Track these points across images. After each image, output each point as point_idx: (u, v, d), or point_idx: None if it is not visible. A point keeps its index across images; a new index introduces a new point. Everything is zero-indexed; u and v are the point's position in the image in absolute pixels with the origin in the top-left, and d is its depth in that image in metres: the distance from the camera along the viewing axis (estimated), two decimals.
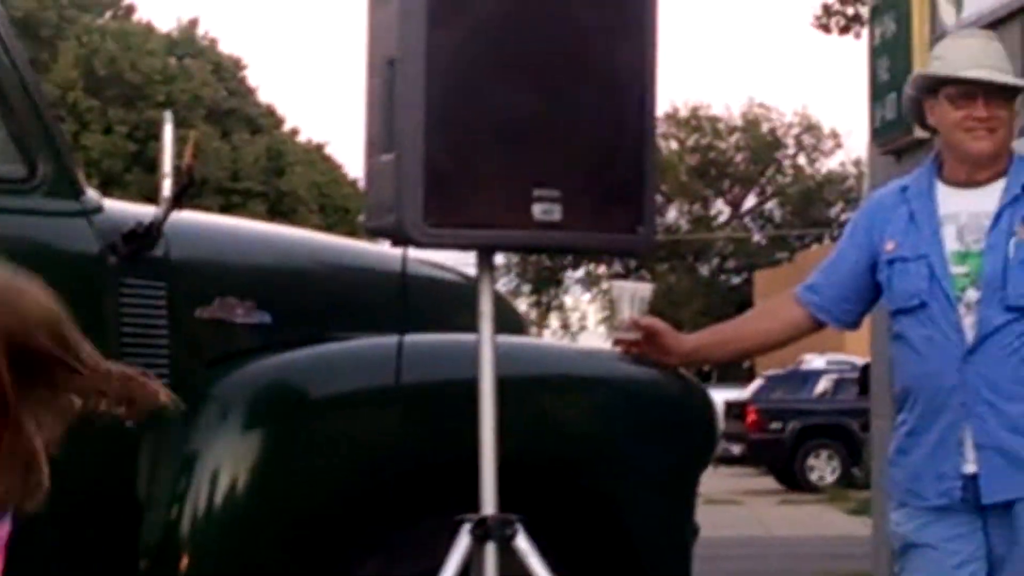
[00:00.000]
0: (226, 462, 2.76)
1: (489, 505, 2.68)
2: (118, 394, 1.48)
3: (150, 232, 2.77)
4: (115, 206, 2.97)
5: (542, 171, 2.68)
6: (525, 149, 2.68)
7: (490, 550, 2.69)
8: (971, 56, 2.88)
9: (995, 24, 6.67)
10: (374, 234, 2.91)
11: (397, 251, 2.80)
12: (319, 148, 33.77)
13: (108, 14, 33.66)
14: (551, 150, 2.69)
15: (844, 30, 21.63)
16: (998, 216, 2.83)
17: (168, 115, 2.74)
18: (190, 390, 2.65)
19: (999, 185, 2.86)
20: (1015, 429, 2.78)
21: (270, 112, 33.35)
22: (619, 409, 3.17)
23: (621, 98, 2.74)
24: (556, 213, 2.67)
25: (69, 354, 1.44)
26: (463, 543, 2.66)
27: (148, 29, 32.38)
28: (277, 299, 2.98)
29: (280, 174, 31.18)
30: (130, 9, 33.72)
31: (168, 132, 2.70)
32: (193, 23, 33.54)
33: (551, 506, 2.90)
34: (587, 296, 38.66)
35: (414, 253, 2.83)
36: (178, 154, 2.76)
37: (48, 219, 2.78)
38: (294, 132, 34.44)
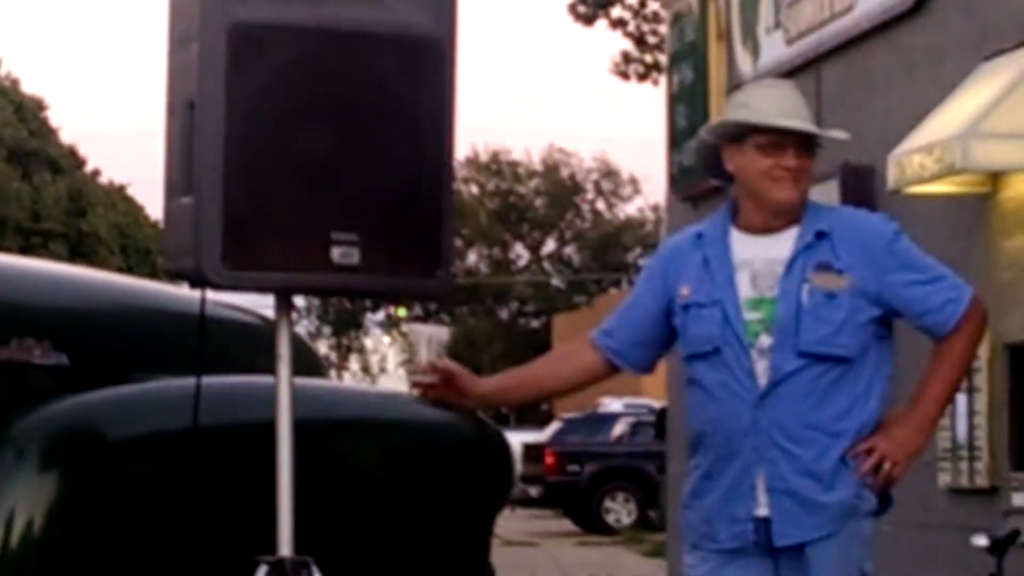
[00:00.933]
0: (21, 504, 2.71)
1: (285, 546, 2.67)
2: None
3: None
4: None
5: (340, 215, 2.71)
6: (323, 193, 2.70)
7: None
8: (780, 106, 2.92)
9: (791, 73, 7.22)
10: (173, 276, 2.89)
11: (196, 293, 2.79)
12: (121, 189, 33.26)
13: None
14: (349, 194, 2.72)
15: (642, 77, 22.49)
16: (791, 263, 2.89)
17: None
18: None
19: (792, 232, 2.91)
20: (807, 473, 2.85)
21: (72, 153, 32.68)
22: (415, 451, 3.21)
23: (420, 142, 2.78)
24: (354, 257, 2.70)
25: None
26: None
27: None
28: (75, 340, 2.95)
29: (81, 215, 30.59)
30: None
31: None
32: None
33: (347, 547, 2.91)
34: (387, 339, 38.75)
35: (212, 295, 2.83)
36: None
37: None
38: (96, 173, 34.16)
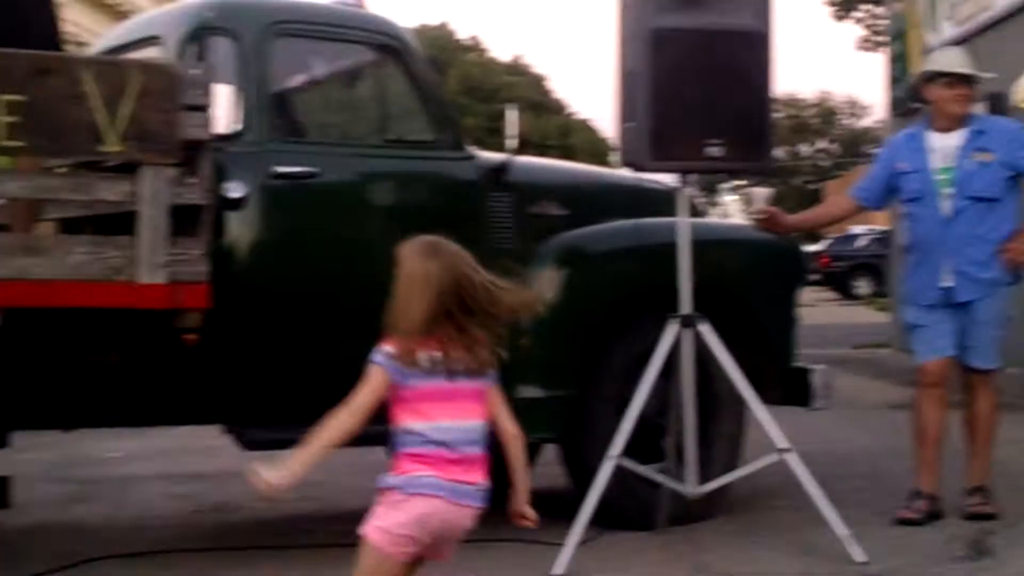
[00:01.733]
0: (545, 288, 5.18)
1: (686, 307, 5.04)
2: (512, 309, 3.03)
3: (503, 167, 5.24)
4: (481, 154, 5.42)
5: (711, 129, 4.99)
6: (701, 118, 4.99)
7: (687, 334, 5.04)
8: (953, 60, 5.31)
9: (959, 43, 10.86)
10: (625, 166, 5.28)
11: (637, 174, 5.31)
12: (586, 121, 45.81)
13: None
14: (715, 118, 4.99)
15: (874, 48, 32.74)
16: (962, 147, 5.18)
17: (514, 106, 5.20)
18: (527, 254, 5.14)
19: (962, 131, 5.21)
20: (973, 262, 5.11)
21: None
22: (755, 255, 5.70)
23: (754, 88, 5.05)
24: (719, 151, 5.00)
25: (479, 295, 2.92)
26: (672, 329, 5.01)
27: None
28: (572, 201, 5.46)
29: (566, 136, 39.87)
30: None
31: (514, 116, 5.14)
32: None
33: (719, 309, 5.24)
34: (734, 198, 57.73)
35: (644, 176, 5.37)
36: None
37: (450, 163, 5.24)
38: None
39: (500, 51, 49.37)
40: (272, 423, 4.84)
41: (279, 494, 2.89)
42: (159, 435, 6.74)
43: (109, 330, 4.74)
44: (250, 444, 4.92)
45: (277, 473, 2.89)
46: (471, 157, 5.35)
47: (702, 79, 4.96)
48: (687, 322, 4.96)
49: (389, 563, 2.95)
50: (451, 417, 2.97)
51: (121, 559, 5.07)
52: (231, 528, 5.94)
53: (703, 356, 5.00)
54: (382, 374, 2.97)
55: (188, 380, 4.85)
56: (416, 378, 2.95)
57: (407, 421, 2.98)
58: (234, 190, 4.78)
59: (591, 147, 39.38)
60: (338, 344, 4.74)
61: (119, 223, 4.59)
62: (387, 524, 2.94)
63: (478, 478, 2.97)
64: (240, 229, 4.81)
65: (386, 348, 2.98)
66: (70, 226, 5.27)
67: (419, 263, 2.97)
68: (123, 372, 4.88)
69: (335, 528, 5.41)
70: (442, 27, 37.51)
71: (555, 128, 40.83)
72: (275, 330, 4.87)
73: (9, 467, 5.54)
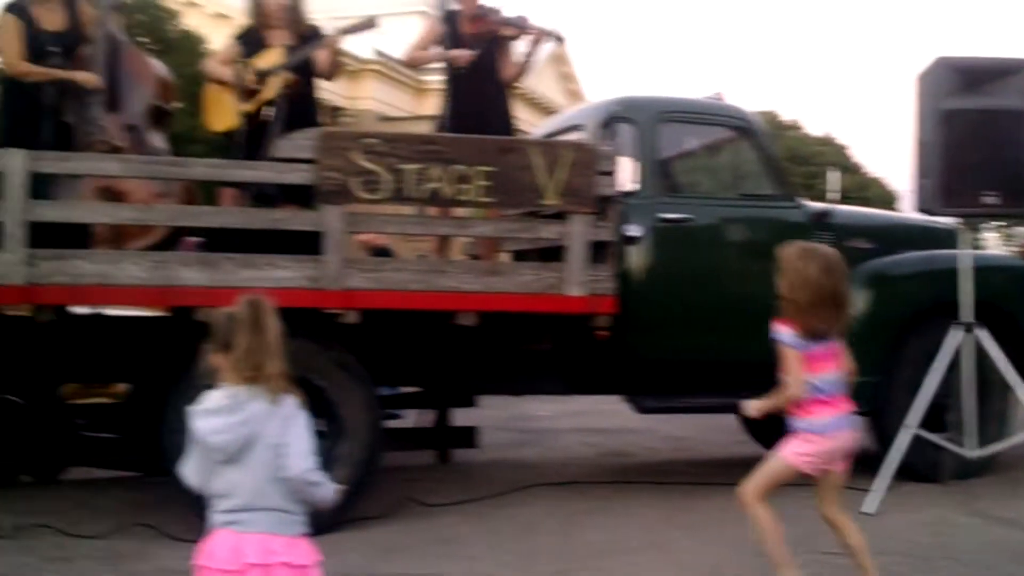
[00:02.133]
0: (859, 302, 6.85)
1: (968, 316, 6.56)
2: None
3: (826, 213, 7.01)
4: (807, 203, 7.20)
5: (987, 184, 6.48)
6: (981, 176, 6.50)
7: (968, 337, 6.56)
8: None
9: None
10: (919, 211, 6.85)
11: (929, 217, 6.88)
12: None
13: None
14: (991, 176, 6.47)
15: None
16: None
17: (836, 170, 6.96)
18: None
19: None
20: None
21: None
22: (1017, 277, 7.18)
23: (1020, 150, 6.52)
24: (994, 201, 6.50)
25: (841, 287, 4.30)
26: (956, 334, 6.54)
27: None
28: (877, 238, 7.14)
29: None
30: None
31: (835, 176, 6.90)
32: None
33: (989, 320, 6.67)
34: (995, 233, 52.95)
35: (934, 219, 6.96)
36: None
37: (786, 210, 7.05)
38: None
39: (814, 127, 52.42)
40: (658, 393, 6.82)
41: (756, 413, 4.34)
42: (575, 401, 8.90)
43: (545, 327, 6.79)
44: (642, 409, 6.89)
45: (755, 405, 4.35)
46: (801, 206, 7.14)
47: (980, 146, 6.42)
48: (968, 328, 6.50)
49: (792, 473, 4.30)
50: (830, 371, 4.28)
51: (551, 486, 7.23)
52: (628, 468, 8.05)
53: (979, 353, 6.51)
54: (791, 351, 4.20)
55: (599, 363, 6.90)
56: (807, 346, 4.22)
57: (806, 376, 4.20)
58: (633, 231, 6.72)
59: (882, 198, 44.32)
60: (706, 338, 6.70)
61: (550, 253, 6.67)
62: (803, 450, 4.26)
63: (848, 409, 4.34)
64: (636, 258, 6.75)
65: (784, 329, 4.23)
66: (517, 255, 7.52)
67: (802, 260, 4.23)
68: (554, 357, 6.98)
69: (699, 471, 7.46)
70: (770, 112, 42.38)
71: (855, 183, 45.75)
72: (661, 328, 6.77)
73: (476, 420, 7.97)
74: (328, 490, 3.36)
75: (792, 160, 38.52)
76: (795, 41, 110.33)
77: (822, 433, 4.34)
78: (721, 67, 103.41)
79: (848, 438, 4.45)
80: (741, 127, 7.15)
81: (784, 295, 4.30)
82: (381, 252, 10.43)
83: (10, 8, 6.65)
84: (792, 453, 4.38)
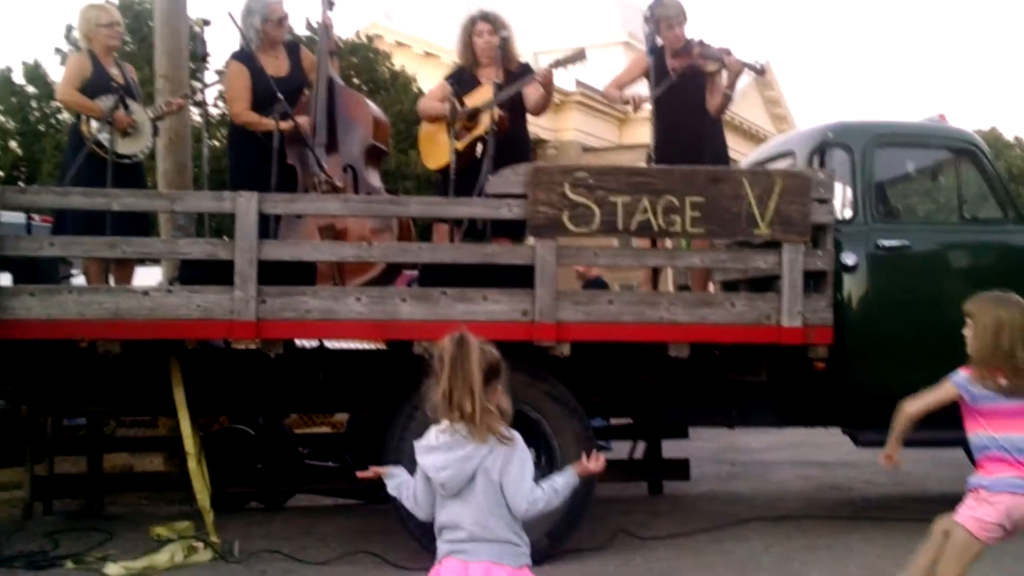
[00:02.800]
0: None
1: None
2: None
3: None
4: None
5: None
6: None
7: None
8: None
9: None
10: None
11: None
12: None
13: None
14: None
15: None
16: None
17: None
18: None
19: None
20: None
21: None
22: None
23: None
24: None
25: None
26: None
27: None
28: None
29: None
30: None
31: None
32: None
33: None
34: None
35: None
36: None
37: (1017, 235, 6.72)
38: None
39: None
40: (881, 427, 6.59)
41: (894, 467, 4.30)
42: (789, 432, 8.73)
43: (760, 358, 6.69)
44: (863, 442, 6.68)
45: (886, 451, 4.36)
46: None
47: None
48: None
49: (978, 547, 4.08)
50: (1015, 430, 4.05)
51: (766, 521, 7.09)
52: (846, 503, 7.82)
53: None
54: (952, 389, 4.13)
55: (817, 394, 6.74)
56: (986, 400, 4.07)
57: (979, 432, 4.08)
58: (849, 259, 6.56)
59: None
60: (927, 369, 6.43)
61: (762, 284, 6.57)
62: (980, 515, 4.04)
63: None
64: (853, 287, 6.59)
65: (963, 373, 4.15)
66: (727, 286, 7.44)
67: (991, 310, 4.12)
68: (769, 388, 6.86)
69: (917, 507, 7.15)
70: (991, 131, 39.45)
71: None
72: (878, 358, 6.56)
73: (688, 452, 7.90)
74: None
75: (1015, 180, 37.22)
76: (1015, 54, 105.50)
77: (994, 491, 4.14)
78: (939, 87, 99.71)
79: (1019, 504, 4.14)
80: (964, 149, 6.89)
81: (969, 343, 4.19)
82: (595, 284, 10.49)
83: (238, 56, 7.05)
84: (965, 515, 4.19)
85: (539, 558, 4.77)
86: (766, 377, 6.76)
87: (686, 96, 7.05)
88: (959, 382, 4.14)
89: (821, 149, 6.88)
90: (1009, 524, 4.07)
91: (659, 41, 7.27)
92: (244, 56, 7.05)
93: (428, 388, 3.36)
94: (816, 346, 6.27)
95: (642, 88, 7.42)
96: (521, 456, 3.35)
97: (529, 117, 7.25)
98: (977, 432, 4.14)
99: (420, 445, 3.37)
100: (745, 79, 7.48)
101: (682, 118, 7.02)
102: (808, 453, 9.79)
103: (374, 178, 7.13)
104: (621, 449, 8.57)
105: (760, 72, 7.19)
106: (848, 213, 6.75)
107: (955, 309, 6.42)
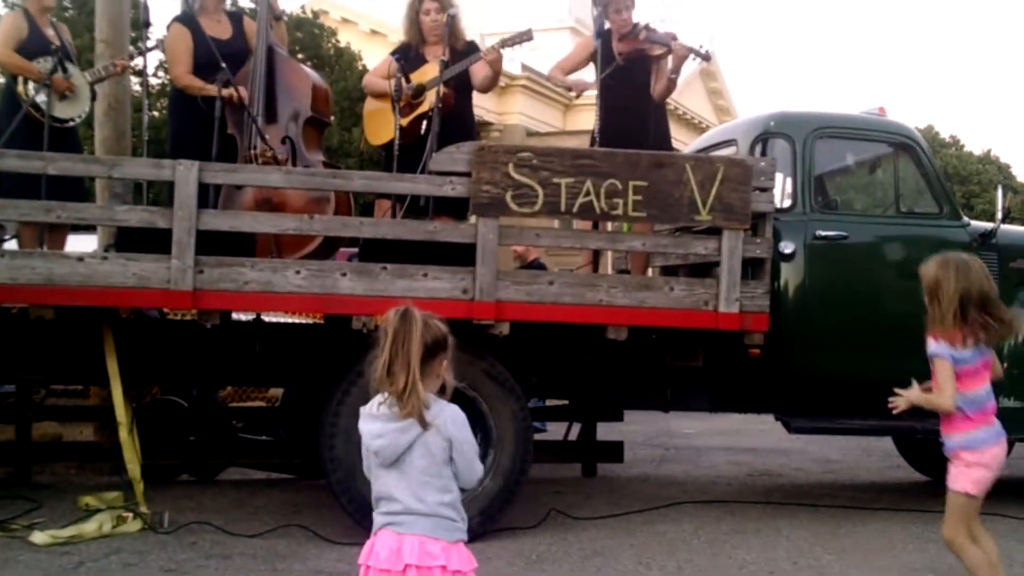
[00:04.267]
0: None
1: None
2: (1008, 321, 4.26)
3: (991, 232, 6.79)
4: (973, 223, 6.98)
5: None
6: None
7: None
8: None
9: None
10: None
11: None
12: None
13: None
14: None
15: None
16: None
17: (1003, 188, 6.75)
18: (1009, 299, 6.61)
19: None
20: None
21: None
22: None
23: None
24: None
25: (993, 315, 4.09)
26: None
27: None
28: None
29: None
30: None
31: (999, 195, 6.68)
32: None
33: None
34: None
35: None
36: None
37: (950, 229, 6.86)
38: None
39: (974, 145, 50.22)
40: (813, 414, 6.70)
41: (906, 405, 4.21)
42: (720, 418, 8.80)
43: (697, 343, 6.75)
44: (796, 429, 6.77)
45: (911, 393, 4.22)
46: (967, 225, 6.93)
47: None
48: None
49: (977, 503, 4.21)
50: (981, 386, 4.19)
51: (699, 504, 7.16)
52: (776, 488, 7.92)
53: None
54: (945, 363, 4.10)
55: (750, 380, 6.82)
56: (962, 362, 4.13)
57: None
58: (786, 247, 6.64)
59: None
60: (860, 357, 6.55)
61: (700, 269, 6.62)
62: (978, 476, 4.14)
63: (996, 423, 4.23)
64: (790, 275, 6.67)
65: (940, 342, 4.11)
66: (665, 271, 7.49)
67: (943, 274, 4.13)
68: (704, 373, 6.92)
69: (848, 494, 7.28)
70: (928, 128, 40.47)
71: (1017, 204, 44.79)
72: (815, 346, 6.65)
73: (623, 435, 7.96)
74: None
75: (951, 179, 38.07)
76: (954, 54, 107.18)
77: (978, 448, 4.27)
78: (877, 81, 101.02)
79: (1000, 454, 4.34)
80: (903, 143, 6.99)
81: (929, 307, 4.26)
82: (533, 266, 10.50)
83: (179, 19, 6.95)
84: (961, 481, 4.29)
85: (472, 536, 4.74)
86: (702, 362, 6.82)
87: (631, 80, 7.09)
88: (942, 351, 4.21)
89: (763, 138, 6.95)
90: (998, 471, 4.29)
91: (606, 25, 7.28)
92: (186, 18, 6.96)
93: (371, 359, 3.34)
94: (752, 332, 6.34)
95: (588, 73, 7.44)
96: (468, 436, 3.35)
97: (474, 99, 7.23)
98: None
99: (363, 411, 3.36)
100: (690, 67, 7.51)
101: (627, 101, 7.06)
102: (740, 440, 9.92)
103: (314, 151, 7.06)
104: (556, 430, 8.62)
105: (706, 58, 7.23)
106: (787, 202, 6.82)
107: (889, 299, 6.63)
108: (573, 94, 7.42)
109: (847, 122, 7.11)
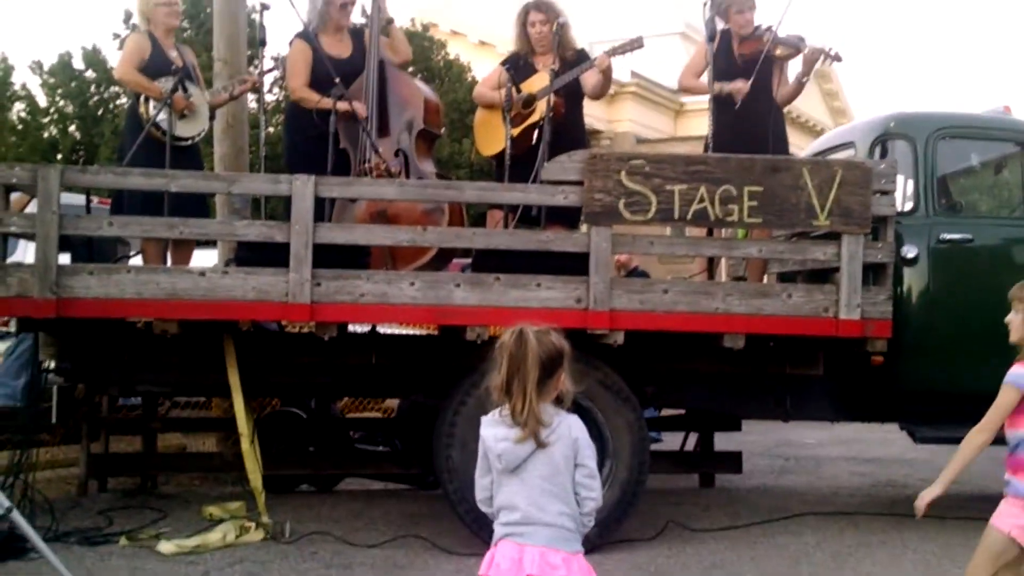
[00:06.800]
0: None
1: None
2: None
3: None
4: None
5: None
6: None
7: None
8: None
9: None
10: None
11: None
12: None
13: None
14: None
15: None
16: None
17: None
18: None
19: None
20: None
21: None
22: None
23: None
24: None
25: None
26: None
27: None
28: None
29: None
30: None
31: None
32: None
33: None
34: None
35: None
36: None
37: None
38: None
39: None
40: (939, 423, 6.48)
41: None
42: (842, 427, 8.58)
43: (816, 350, 6.60)
44: (921, 439, 6.57)
45: (930, 491, 3.89)
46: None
47: None
48: None
49: (1014, 552, 3.74)
50: None
51: (820, 516, 7.00)
52: (901, 500, 7.69)
53: None
54: (1014, 392, 3.79)
55: (873, 389, 6.64)
56: None
57: (1021, 429, 3.80)
58: (909, 251, 6.47)
59: None
60: (986, 366, 6.29)
61: (819, 276, 6.47)
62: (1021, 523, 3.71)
63: None
64: (913, 280, 6.50)
65: (1018, 369, 3.83)
66: (783, 277, 7.34)
67: None
68: (825, 382, 6.76)
69: (976, 505, 6.98)
70: None
71: None
72: (939, 354, 6.45)
73: (740, 445, 7.83)
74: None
75: None
76: None
77: None
78: (1001, 80, 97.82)
79: None
80: None
81: (1014, 331, 3.91)
82: (635, 273, 10.42)
83: (301, 35, 7.08)
84: (1009, 523, 3.85)
85: (589, 548, 4.74)
86: (822, 370, 6.65)
87: (754, 83, 6.94)
88: (1017, 381, 3.82)
89: (883, 140, 6.78)
90: None
91: (720, 26, 7.16)
92: (307, 35, 7.07)
93: (489, 372, 3.33)
94: (874, 340, 6.18)
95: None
96: (583, 448, 3.32)
97: (584, 107, 7.19)
98: (1019, 429, 3.84)
99: (485, 419, 3.36)
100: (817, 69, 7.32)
101: (748, 106, 6.92)
102: (862, 449, 9.68)
103: (426, 163, 7.11)
104: (673, 440, 8.52)
105: (837, 59, 7.01)
106: (909, 205, 6.64)
107: None
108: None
109: (970, 121, 6.90)
